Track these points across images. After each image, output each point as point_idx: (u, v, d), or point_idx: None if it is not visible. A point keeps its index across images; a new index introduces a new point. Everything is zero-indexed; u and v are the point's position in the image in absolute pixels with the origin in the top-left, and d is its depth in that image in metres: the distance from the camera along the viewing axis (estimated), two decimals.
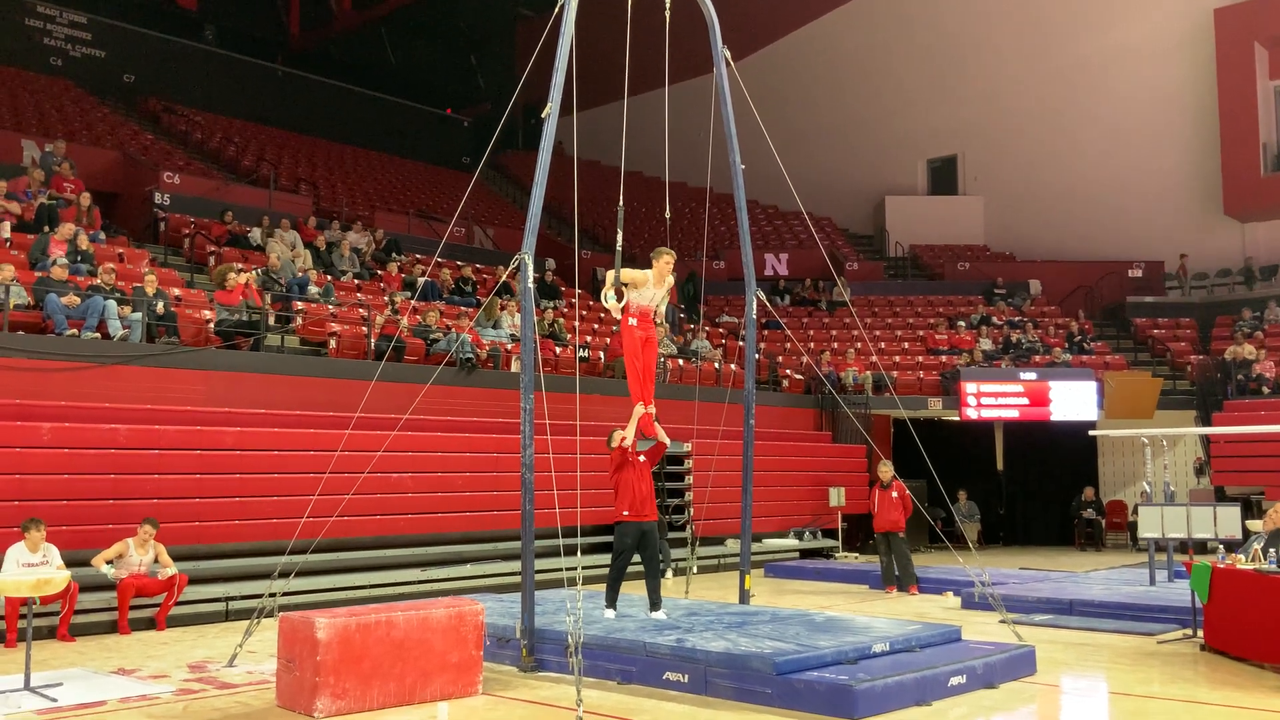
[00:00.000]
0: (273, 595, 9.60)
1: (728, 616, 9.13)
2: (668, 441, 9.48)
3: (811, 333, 24.12)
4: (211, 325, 13.63)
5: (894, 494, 14.08)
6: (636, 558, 9.28)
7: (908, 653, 7.94)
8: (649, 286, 9.26)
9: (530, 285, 8.76)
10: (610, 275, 9.21)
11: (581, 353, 17.46)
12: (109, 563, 10.33)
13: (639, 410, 9.12)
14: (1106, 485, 22.76)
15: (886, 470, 14.32)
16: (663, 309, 9.67)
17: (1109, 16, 26.72)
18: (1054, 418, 20.91)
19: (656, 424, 9.31)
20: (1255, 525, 12.39)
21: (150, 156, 21.44)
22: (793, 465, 18.88)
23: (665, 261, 9.27)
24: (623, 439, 9.12)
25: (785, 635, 8.04)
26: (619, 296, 9.16)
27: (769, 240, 28.92)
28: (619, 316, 9.34)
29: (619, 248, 9.39)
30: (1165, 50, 26.03)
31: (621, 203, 9.44)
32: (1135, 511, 18.68)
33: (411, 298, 16.33)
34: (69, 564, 9.66)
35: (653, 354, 9.40)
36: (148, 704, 7.31)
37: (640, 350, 9.23)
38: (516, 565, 11.44)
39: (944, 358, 22.60)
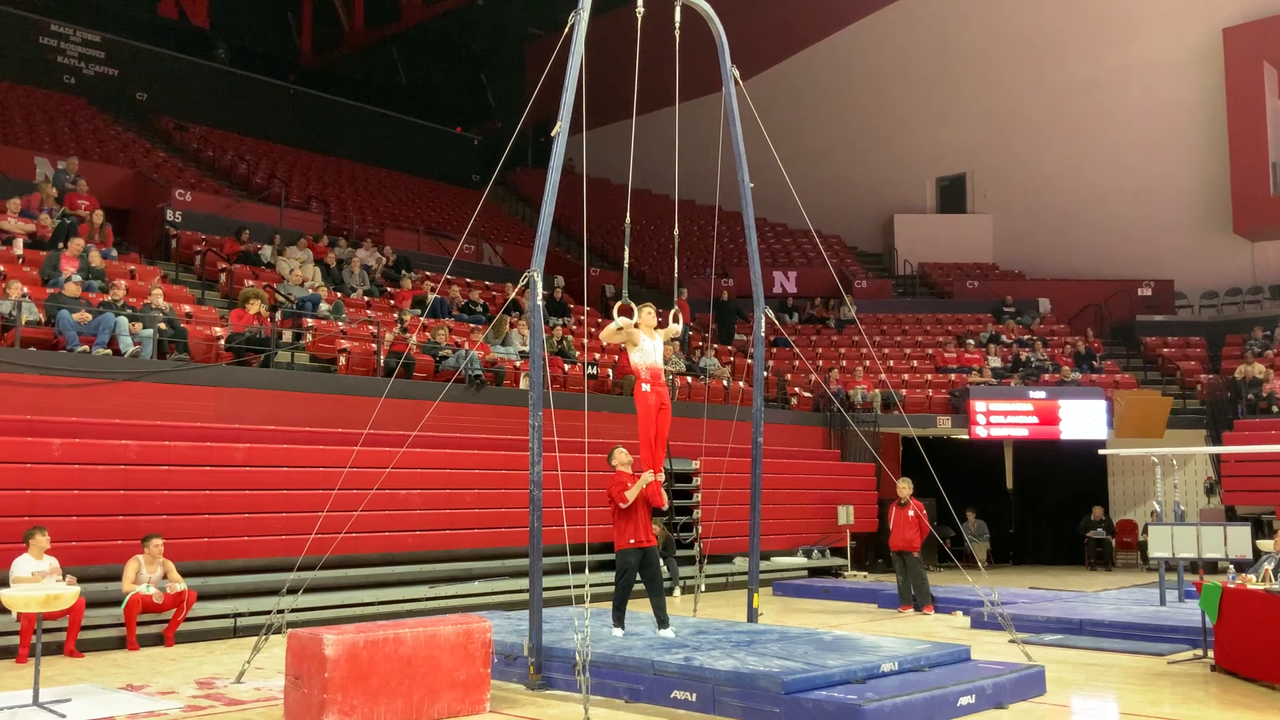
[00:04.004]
0: (281, 612, 9.62)
1: (736, 635, 9.11)
2: (665, 505, 9.52)
3: (820, 350, 24.11)
4: (222, 342, 13.69)
5: (911, 513, 13.99)
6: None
7: (916, 672, 7.91)
8: (645, 338, 9.33)
9: (539, 303, 8.81)
10: (616, 313, 9.33)
11: (590, 370, 17.48)
12: (134, 583, 10.37)
13: (647, 478, 9.09)
14: (1116, 504, 22.68)
15: (905, 488, 14.21)
16: (660, 357, 9.64)
17: (1118, 35, 26.76)
18: (1064, 436, 20.87)
19: (664, 494, 9.33)
20: (1266, 545, 12.32)
21: (162, 174, 21.58)
22: (801, 483, 18.84)
23: (648, 313, 9.44)
24: (626, 487, 9.09)
25: (794, 654, 8.02)
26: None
27: (777, 258, 28.94)
28: (617, 326, 9.32)
29: (626, 264, 9.43)
30: (1174, 69, 26.04)
31: (629, 219, 9.46)
32: (1145, 531, 18.52)
33: (421, 315, 16.36)
34: (78, 579, 9.68)
35: (666, 421, 9.35)
36: None
37: (654, 417, 9.22)
38: (524, 582, 11.48)
39: (953, 376, 22.55)
